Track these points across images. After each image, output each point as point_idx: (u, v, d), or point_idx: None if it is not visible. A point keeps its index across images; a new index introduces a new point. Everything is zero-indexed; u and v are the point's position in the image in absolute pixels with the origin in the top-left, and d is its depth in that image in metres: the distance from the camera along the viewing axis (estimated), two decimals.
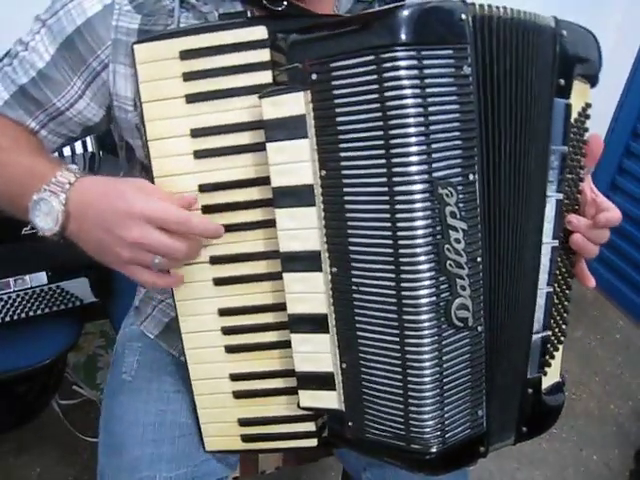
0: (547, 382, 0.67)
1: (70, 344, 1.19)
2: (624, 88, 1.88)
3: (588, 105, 0.67)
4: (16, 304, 1.13)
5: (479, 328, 0.58)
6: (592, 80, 0.66)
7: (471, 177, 0.55)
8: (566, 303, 0.69)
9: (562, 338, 0.69)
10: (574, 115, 0.64)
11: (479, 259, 0.57)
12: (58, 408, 1.54)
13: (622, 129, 1.94)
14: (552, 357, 0.68)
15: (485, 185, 0.57)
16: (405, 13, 0.51)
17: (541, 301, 0.64)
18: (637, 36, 1.79)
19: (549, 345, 0.67)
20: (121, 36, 0.64)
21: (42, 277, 1.14)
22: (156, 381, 0.78)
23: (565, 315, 0.69)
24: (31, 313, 1.15)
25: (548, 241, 0.64)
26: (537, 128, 0.61)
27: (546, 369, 0.67)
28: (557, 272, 0.66)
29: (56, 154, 0.79)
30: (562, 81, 0.62)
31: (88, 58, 0.66)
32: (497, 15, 0.56)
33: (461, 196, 0.54)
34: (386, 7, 0.54)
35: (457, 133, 0.54)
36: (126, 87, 0.66)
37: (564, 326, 0.69)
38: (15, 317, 1.14)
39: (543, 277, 0.64)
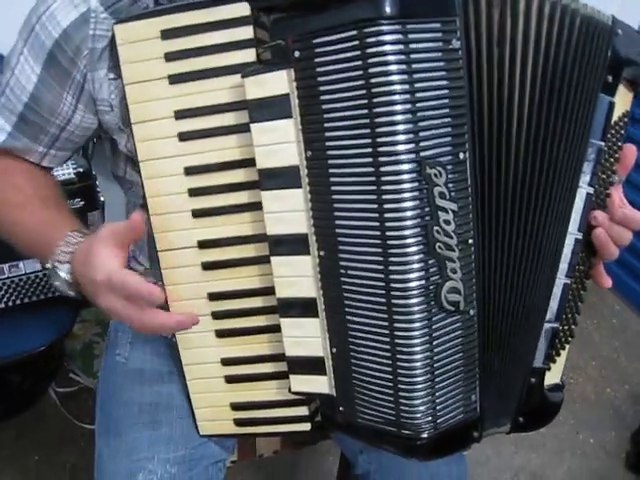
0: (549, 380, 0.64)
1: (65, 331, 1.19)
2: None
3: (628, 113, 0.64)
4: (10, 290, 1.12)
5: (471, 312, 0.56)
6: (636, 88, 0.63)
7: (461, 156, 0.53)
8: (579, 303, 0.65)
9: (570, 339, 0.66)
10: (614, 118, 0.62)
11: (470, 241, 0.55)
12: (55, 396, 1.56)
13: None
14: (558, 354, 0.65)
15: (480, 165, 0.55)
16: None
17: (557, 291, 0.62)
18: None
19: (557, 340, 0.64)
20: (98, 44, 0.63)
21: (36, 263, 1.14)
22: (150, 362, 0.78)
23: (577, 315, 0.65)
24: (26, 300, 1.15)
25: (573, 232, 0.61)
26: (573, 117, 0.58)
27: (551, 364, 0.64)
28: (576, 268, 0.63)
29: None
30: (610, 78, 0.59)
31: (72, 71, 0.65)
32: None
33: (451, 176, 0.52)
34: None
35: (446, 110, 0.52)
36: (103, 90, 0.65)
37: (573, 326, 0.66)
38: (9, 304, 1.14)
39: (563, 267, 0.61)
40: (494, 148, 0.56)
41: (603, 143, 0.60)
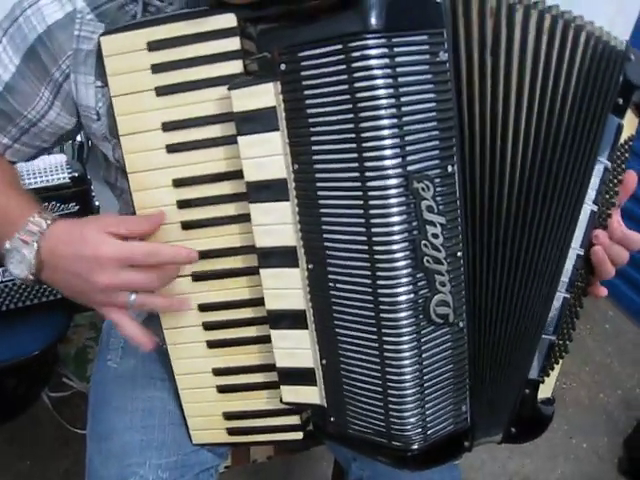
0: (541, 394, 0.64)
1: (60, 335, 1.20)
2: None
3: (633, 137, 0.64)
4: (4, 295, 1.12)
5: (461, 324, 0.56)
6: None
7: (449, 169, 0.53)
8: (575, 320, 0.65)
9: (564, 354, 0.65)
10: (620, 140, 0.61)
11: (459, 254, 0.55)
12: (48, 400, 1.54)
13: None
14: (552, 368, 0.65)
15: (470, 178, 0.55)
16: None
17: (557, 304, 0.62)
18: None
19: (553, 353, 0.63)
20: (83, 46, 0.62)
21: None
22: (142, 368, 0.78)
23: (571, 332, 0.65)
24: (20, 304, 1.14)
25: (576, 247, 0.61)
26: (582, 133, 0.58)
27: (545, 377, 0.64)
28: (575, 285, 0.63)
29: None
30: (620, 100, 0.59)
31: (51, 68, 0.64)
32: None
33: (439, 189, 0.52)
34: None
35: (434, 123, 0.51)
36: (87, 96, 0.64)
37: (568, 342, 0.65)
38: (3, 308, 1.13)
39: (563, 281, 0.61)
40: (487, 161, 0.55)
41: (610, 163, 0.60)
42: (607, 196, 0.62)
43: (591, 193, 0.60)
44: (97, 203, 1.25)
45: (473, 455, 0.67)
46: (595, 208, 0.60)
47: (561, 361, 0.65)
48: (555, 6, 0.56)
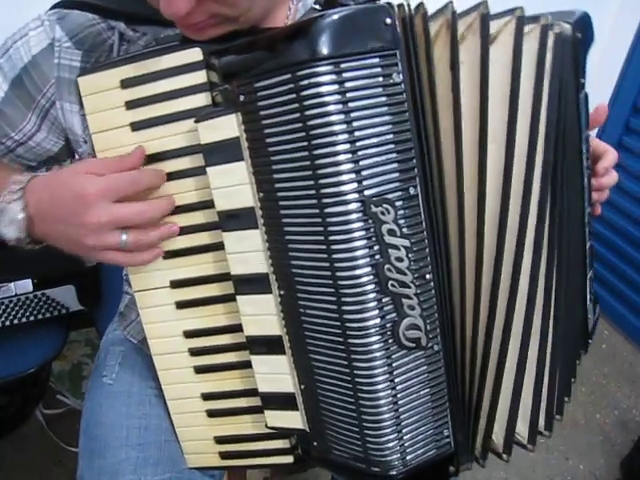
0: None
1: (55, 353, 1.18)
2: (616, 82, 1.82)
3: None
4: (0, 312, 1.12)
5: (435, 347, 0.55)
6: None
7: (412, 191, 0.52)
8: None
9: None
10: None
11: (428, 276, 0.53)
12: (42, 417, 1.54)
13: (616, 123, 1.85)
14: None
15: (431, 198, 0.54)
16: (321, 24, 0.48)
17: (586, 252, 0.70)
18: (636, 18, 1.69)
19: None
20: (63, 74, 0.65)
21: (28, 284, 1.13)
22: (137, 385, 0.79)
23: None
24: (16, 321, 1.14)
25: (586, 211, 0.68)
26: (569, 127, 0.59)
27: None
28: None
29: None
30: (582, 80, 0.61)
31: (36, 96, 0.67)
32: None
33: (401, 212, 0.51)
34: (307, 18, 0.51)
35: (390, 146, 0.51)
36: (74, 122, 0.67)
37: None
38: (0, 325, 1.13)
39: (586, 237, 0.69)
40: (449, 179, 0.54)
41: (588, 131, 0.65)
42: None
43: (585, 163, 0.66)
44: None
45: (468, 477, 0.65)
46: (590, 171, 0.69)
47: None
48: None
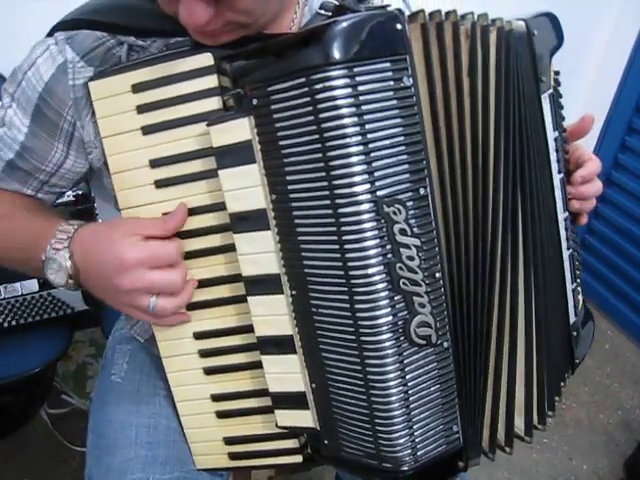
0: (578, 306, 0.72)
1: (60, 353, 1.18)
2: (619, 82, 1.83)
3: (557, 73, 0.68)
4: (6, 311, 1.12)
5: (445, 344, 0.56)
6: (558, 49, 0.67)
7: (422, 191, 0.53)
8: (577, 246, 0.74)
9: (580, 272, 0.73)
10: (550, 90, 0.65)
11: (438, 274, 0.55)
12: (47, 417, 1.55)
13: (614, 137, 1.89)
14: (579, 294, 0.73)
15: (443, 198, 0.56)
16: (334, 30, 0.50)
17: (567, 264, 0.69)
18: (634, 31, 1.73)
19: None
20: (80, 94, 0.65)
21: (33, 284, 1.14)
22: (146, 384, 0.79)
23: (578, 253, 0.73)
24: (22, 321, 1.14)
25: (561, 217, 0.67)
26: (534, 128, 0.61)
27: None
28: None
29: None
30: (544, 77, 0.62)
31: (58, 122, 0.67)
32: (450, 21, 0.55)
33: (412, 212, 0.53)
34: (320, 24, 0.52)
35: (402, 147, 0.52)
36: (89, 133, 0.67)
37: (578, 263, 0.73)
38: (5, 325, 1.13)
39: (564, 245, 0.68)
40: (458, 177, 0.56)
41: (557, 132, 0.64)
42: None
43: (555, 166, 0.65)
44: (100, 221, 1.23)
45: (471, 475, 0.66)
46: (562, 175, 0.66)
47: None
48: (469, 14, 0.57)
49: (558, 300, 0.69)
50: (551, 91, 0.66)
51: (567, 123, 0.71)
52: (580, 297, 0.75)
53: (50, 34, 0.67)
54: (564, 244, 0.68)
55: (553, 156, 0.66)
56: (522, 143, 0.60)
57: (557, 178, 0.67)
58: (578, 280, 0.73)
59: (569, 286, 0.70)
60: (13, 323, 1.15)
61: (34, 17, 1.13)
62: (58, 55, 0.65)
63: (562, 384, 0.71)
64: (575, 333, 0.72)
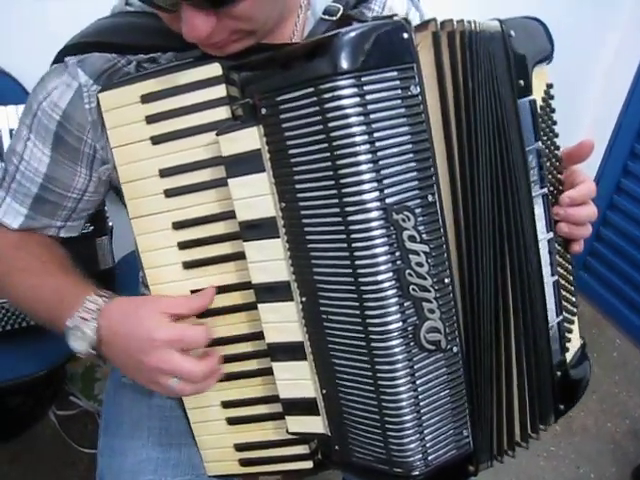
0: (572, 349, 0.69)
1: (69, 355, 1.16)
2: (626, 97, 1.85)
3: (550, 86, 0.66)
4: (17, 313, 1.12)
5: (454, 349, 0.57)
6: (548, 59, 0.65)
7: (430, 198, 0.54)
8: (570, 277, 0.70)
9: (575, 310, 0.70)
10: (539, 102, 0.63)
11: (447, 280, 0.55)
12: (55, 419, 1.55)
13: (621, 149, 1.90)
14: (570, 331, 0.69)
15: (453, 203, 0.56)
16: (341, 40, 0.51)
17: (550, 290, 0.64)
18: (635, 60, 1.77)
19: (566, 324, 0.68)
20: (96, 116, 0.65)
21: None
22: None
23: (572, 287, 0.70)
24: (32, 322, 1.14)
25: (543, 237, 0.63)
26: (510, 134, 0.59)
27: (568, 345, 0.68)
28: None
29: None
30: (522, 82, 0.60)
31: (79, 146, 0.68)
32: (448, 29, 0.55)
33: (420, 218, 0.53)
34: (327, 34, 0.53)
35: (410, 155, 0.53)
36: (108, 152, 0.66)
37: (573, 298, 0.70)
38: (16, 326, 1.14)
39: (546, 270, 0.64)
40: (468, 184, 0.57)
41: (539, 143, 0.62)
42: (551, 168, 0.66)
43: (535, 183, 0.62)
44: (110, 224, 1.26)
45: None
46: (545, 190, 0.63)
47: (575, 318, 0.70)
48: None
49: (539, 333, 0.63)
50: (533, 97, 0.62)
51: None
52: (574, 335, 0.70)
53: (58, 59, 0.67)
54: (546, 269, 0.63)
55: (534, 171, 0.62)
56: (496, 149, 0.59)
57: (537, 192, 0.62)
58: (568, 315, 0.69)
59: (552, 317, 0.65)
60: (24, 324, 1.15)
61: (34, 17, 1.15)
62: (72, 80, 0.65)
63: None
64: (559, 373, 0.66)
